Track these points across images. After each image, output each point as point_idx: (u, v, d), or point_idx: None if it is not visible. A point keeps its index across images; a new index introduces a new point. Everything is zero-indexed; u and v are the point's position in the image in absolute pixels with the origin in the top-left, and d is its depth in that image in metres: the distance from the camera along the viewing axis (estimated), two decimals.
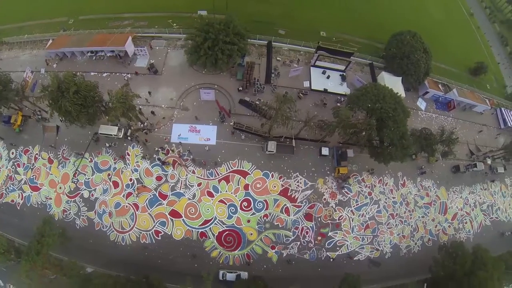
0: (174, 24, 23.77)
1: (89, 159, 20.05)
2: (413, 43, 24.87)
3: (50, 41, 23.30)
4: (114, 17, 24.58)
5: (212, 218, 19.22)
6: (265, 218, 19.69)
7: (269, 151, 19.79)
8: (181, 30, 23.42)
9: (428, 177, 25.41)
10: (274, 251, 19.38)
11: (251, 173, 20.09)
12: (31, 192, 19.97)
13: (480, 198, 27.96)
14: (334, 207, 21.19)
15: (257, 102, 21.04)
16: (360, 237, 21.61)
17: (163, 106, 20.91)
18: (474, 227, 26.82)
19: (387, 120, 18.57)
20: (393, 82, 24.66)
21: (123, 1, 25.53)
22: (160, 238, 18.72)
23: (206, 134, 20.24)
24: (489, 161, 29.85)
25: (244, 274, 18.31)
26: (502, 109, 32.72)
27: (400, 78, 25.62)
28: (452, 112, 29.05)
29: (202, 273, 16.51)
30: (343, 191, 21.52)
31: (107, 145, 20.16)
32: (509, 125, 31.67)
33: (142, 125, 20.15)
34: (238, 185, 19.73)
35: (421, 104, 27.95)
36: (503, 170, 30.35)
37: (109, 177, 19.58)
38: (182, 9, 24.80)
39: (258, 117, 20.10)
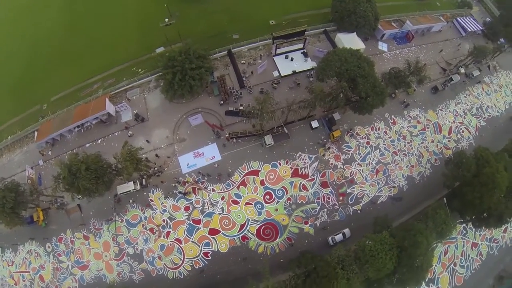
0: (139, 70, 27.24)
1: (120, 220, 23.34)
2: None
3: (36, 133, 25.95)
4: (83, 86, 27.75)
5: (245, 221, 23.13)
6: (289, 201, 23.78)
7: (268, 145, 23.81)
8: (148, 73, 26.89)
9: (413, 107, 29.92)
10: (308, 225, 23.56)
11: (261, 169, 24.08)
12: (82, 272, 22.93)
13: (467, 105, 32.75)
14: (342, 167, 25.45)
15: (240, 108, 24.92)
16: (375, 182, 25.96)
17: (163, 146, 24.49)
18: (471, 132, 31.57)
19: (356, 77, 22.66)
20: (350, 39, 29.06)
21: (84, 66, 28.47)
22: (210, 257, 22.47)
23: (210, 153, 24.01)
24: (462, 70, 34.75)
25: (347, 231, 23.49)
26: (458, 19, 37.68)
27: (355, 33, 29.87)
28: (413, 42, 33.60)
29: (259, 268, 20.22)
30: (344, 149, 25.77)
31: (130, 201, 23.51)
32: (469, 30, 36.74)
33: (152, 171, 23.62)
34: (255, 183, 23.69)
35: (383, 46, 32.36)
36: (478, 72, 35.33)
37: (144, 227, 22.96)
38: (140, 53, 28.29)
39: (246, 120, 23.87)
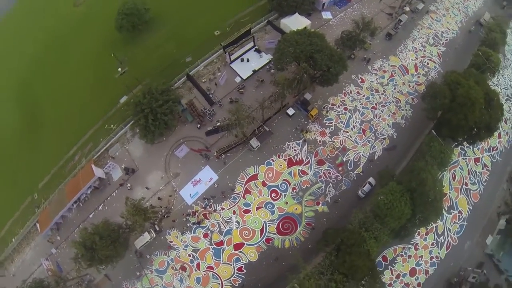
0: (112, 126, 28.29)
1: (149, 272, 24.20)
2: None
3: (37, 225, 26.38)
4: (64, 162, 28.56)
5: (263, 224, 24.50)
6: (294, 191, 25.28)
7: (255, 147, 25.28)
8: (121, 125, 27.93)
9: (375, 59, 31.98)
10: (320, 204, 25.11)
11: (258, 171, 25.49)
12: None
13: (423, 38, 35.08)
14: (330, 140, 27.13)
15: (218, 124, 26.29)
16: (366, 141, 27.75)
17: (161, 188, 25.60)
18: (436, 61, 33.89)
19: (313, 54, 24.11)
20: (294, 21, 30.84)
21: (58, 142, 29.17)
22: (245, 270, 23.67)
23: (206, 176, 25.25)
24: (407, 8, 37.29)
25: (372, 180, 25.73)
26: None
27: (296, 13, 31.63)
28: (353, 1, 35.72)
29: (292, 262, 21.82)
30: (326, 123, 27.36)
31: (153, 250, 24.33)
32: None
33: (161, 214, 24.61)
34: (258, 187, 25.10)
35: (327, 15, 34.41)
36: (422, 4, 37.94)
37: (174, 268, 23.91)
38: (106, 110, 29.28)
39: (228, 133, 25.38)
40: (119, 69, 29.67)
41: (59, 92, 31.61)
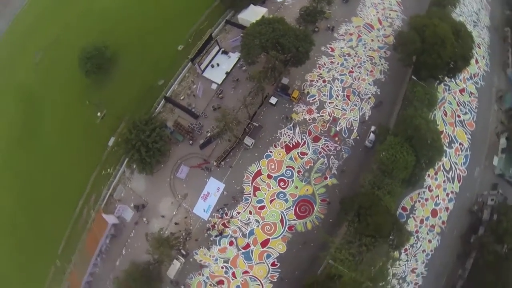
0: (108, 170, 28.75)
1: None
2: None
3: None
4: (75, 220, 28.73)
5: (280, 214, 25.39)
6: (300, 173, 26.23)
7: (250, 145, 26.04)
8: (117, 166, 28.33)
9: (338, 25, 32.76)
10: (329, 179, 26.11)
11: (260, 166, 26.29)
12: None
13: None
14: (319, 115, 27.96)
15: (209, 135, 26.96)
16: (353, 106, 28.69)
17: (175, 212, 26.27)
18: (397, 10, 34.59)
19: (278, 40, 24.64)
20: (251, 13, 31.23)
21: (63, 201, 29.05)
22: (278, 264, 24.56)
23: (213, 188, 25.98)
24: None
25: (374, 129, 27.05)
26: None
27: (251, 4, 32.06)
28: None
29: (320, 241, 22.89)
30: (310, 101, 28.10)
31: (186, 275, 24.88)
32: None
33: (183, 238, 25.26)
34: (264, 181, 25.94)
35: None
36: None
37: (212, 286, 24.51)
38: (98, 156, 29.48)
39: (221, 140, 26.11)
40: (98, 113, 29.95)
41: (45, 154, 31.68)
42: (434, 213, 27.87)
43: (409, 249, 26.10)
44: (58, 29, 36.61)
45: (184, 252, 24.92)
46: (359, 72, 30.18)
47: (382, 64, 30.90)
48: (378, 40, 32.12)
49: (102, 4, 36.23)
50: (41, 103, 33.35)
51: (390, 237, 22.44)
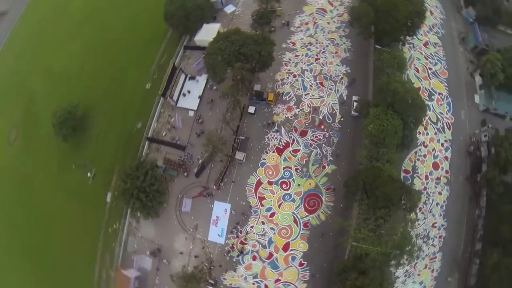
0: (114, 225, 28.79)
1: None
2: None
3: None
4: (96, 285, 28.47)
5: (292, 215, 25.87)
6: (297, 171, 26.82)
7: (243, 159, 26.57)
8: (121, 220, 28.32)
9: (292, 20, 33.44)
10: (327, 167, 26.80)
11: (259, 176, 26.76)
12: None
13: None
14: (299, 109, 28.59)
15: (200, 161, 27.40)
16: (328, 90, 29.41)
17: (191, 246, 26.51)
18: None
19: (240, 51, 25.25)
20: (206, 32, 31.59)
21: (79, 271, 28.53)
22: (305, 262, 24.97)
23: (220, 211, 26.29)
24: None
25: (355, 98, 27.97)
26: None
27: (203, 24, 32.47)
28: None
29: (337, 228, 23.55)
30: (286, 99, 28.82)
31: None
32: None
33: (207, 269, 25.39)
34: (267, 189, 26.45)
35: (230, 8, 35.41)
36: None
37: None
38: (100, 216, 29.30)
39: (213, 163, 26.70)
40: (88, 174, 30.06)
41: (46, 230, 31.16)
42: (435, 166, 28.77)
43: (423, 207, 26.88)
44: (24, 99, 36.57)
45: (212, 282, 25.15)
46: (325, 57, 31.05)
47: (344, 43, 31.85)
48: (334, 21, 33.10)
49: (61, 63, 36.53)
50: (27, 181, 33.11)
51: (402, 202, 23.07)
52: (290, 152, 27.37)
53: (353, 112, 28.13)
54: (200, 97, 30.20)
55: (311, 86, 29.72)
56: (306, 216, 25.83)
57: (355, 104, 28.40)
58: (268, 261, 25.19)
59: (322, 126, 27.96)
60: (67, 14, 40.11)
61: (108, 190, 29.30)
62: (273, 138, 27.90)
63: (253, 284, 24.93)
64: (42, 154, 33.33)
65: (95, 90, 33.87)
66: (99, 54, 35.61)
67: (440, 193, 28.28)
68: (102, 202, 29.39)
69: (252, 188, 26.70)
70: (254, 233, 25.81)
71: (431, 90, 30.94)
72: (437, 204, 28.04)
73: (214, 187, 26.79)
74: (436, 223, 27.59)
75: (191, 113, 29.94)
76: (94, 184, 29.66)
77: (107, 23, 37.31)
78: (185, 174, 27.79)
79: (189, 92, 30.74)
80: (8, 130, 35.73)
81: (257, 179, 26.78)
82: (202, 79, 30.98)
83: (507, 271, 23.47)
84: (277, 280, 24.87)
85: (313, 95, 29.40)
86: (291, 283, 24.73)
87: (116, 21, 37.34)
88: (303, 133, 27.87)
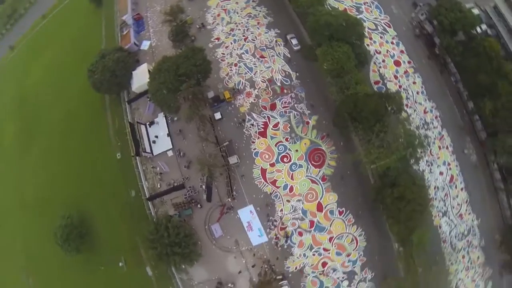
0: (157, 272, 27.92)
1: None
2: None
3: None
4: None
5: (307, 179, 26.95)
6: (288, 140, 27.84)
7: (237, 162, 27.54)
8: (172, 281, 28.03)
9: (204, 19, 33.76)
10: (310, 121, 28.23)
11: (258, 165, 27.33)
12: None
13: None
14: (256, 89, 29.29)
15: (204, 187, 28.12)
16: (271, 58, 30.28)
17: (244, 261, 26.87)
18: None
19: (178, 74, 25.47)
20: (138, 78, 31.64)
21: None
22: (343, 208, 26.16)
23: (247, 215, 26.94)
24: None
25: (290, 35, 30.03)
26: None
27: (131, 72, 32.29)
28: (147, 25, 36.31)
29: (352, 160, 25.01)
30: (240, 88, 29.43)
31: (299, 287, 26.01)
32: None
33: (268, 269, 25.83)
34: (273, 172, 27.33)
35: (146, 45, 34.94)
36: None
37: (323, 273, 25.73)
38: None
39: (216, 182, 27.52)
40: (120, 264, 29.87)
41: None
42: (397, 63, 30.87)
43: (408, 102, 29.01)
44: (20, 239, 35.32)
45: (280, 276, 26.14)
46: (252, 32, 32.21)
47: (260, 11, 33.15)
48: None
49: (30, 192, 35.46)
50: None
51: (389, 108, 24.71)
52: (271, 129, 28.59)
53: (295, 49, 29.72)
54: (168, 135, 30.77)
55: (255, 64, 30.86)
56: (319, 171, 27.25)
57: (293, 41, 30.17)
58: (312, 228, 26.44)
59: (285, 90, 29.28)
60: None
61: (145, 265, 29.47)
62: (251, 127, 28.99)
63: (313, 255, 26.11)
64: (68, 279, 32.23)
65: (74, 192, 33.69)
66: (56, 157, 35.39)
67: (414, 83, 30.43)
68: (147, 281, 29.40)
69: (261, 179, 27.77)
70: (286, 214, 26.93)
71: (355, 4, 32.67)
72: (417, 92, 30.17)
73: (229, 200, 27.67)
74: (426, 108, 29.75)
75: (170, 153, 30.53)
76: (130, 270, 29.73)
77: (43, 125, 36.56)
78: (199, 205, 28.53)
79: (156, 137, 31.27)
80: (20, 275, 34.69)
81: (260, 168, 27.86)
82: (161, 119, 31.52)
83: (505, 108, 25.86)
84: (330, 239, 26.15)
85: (261, 70, 30.56)
86: (344, 233, 26.15)
87: (53, 116, 37.26)
88: (272, 107, 29.11)
